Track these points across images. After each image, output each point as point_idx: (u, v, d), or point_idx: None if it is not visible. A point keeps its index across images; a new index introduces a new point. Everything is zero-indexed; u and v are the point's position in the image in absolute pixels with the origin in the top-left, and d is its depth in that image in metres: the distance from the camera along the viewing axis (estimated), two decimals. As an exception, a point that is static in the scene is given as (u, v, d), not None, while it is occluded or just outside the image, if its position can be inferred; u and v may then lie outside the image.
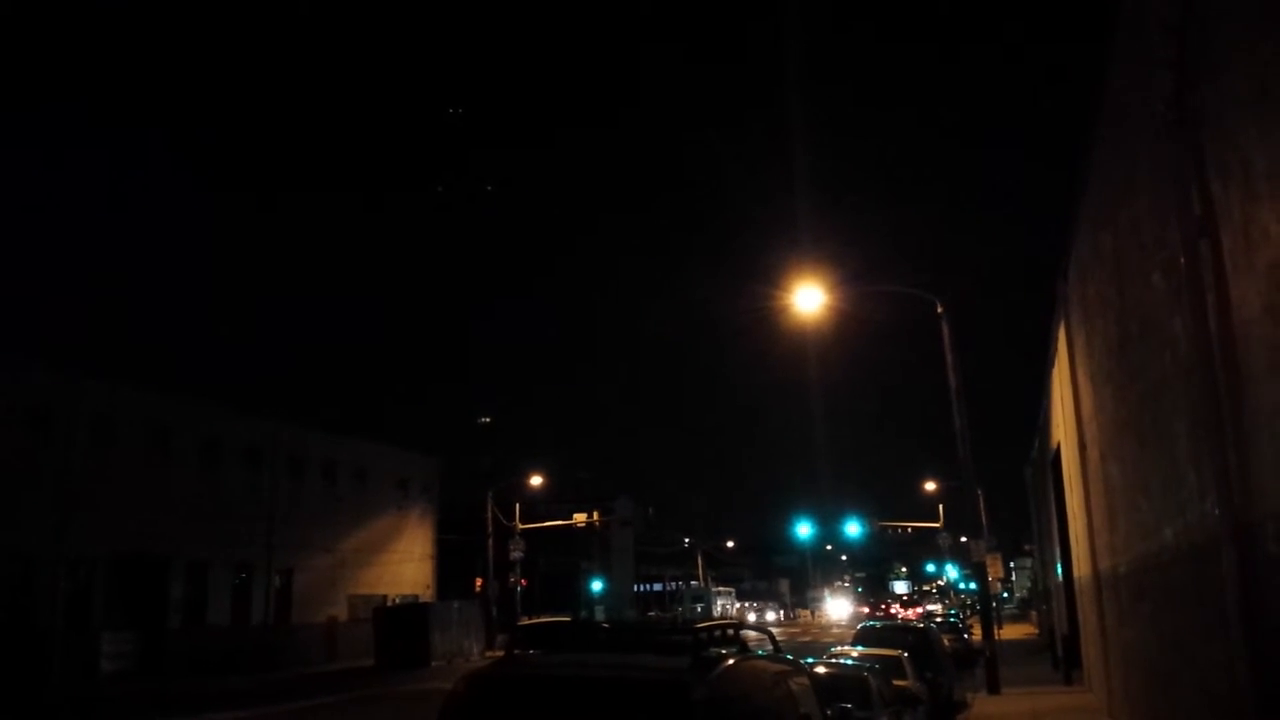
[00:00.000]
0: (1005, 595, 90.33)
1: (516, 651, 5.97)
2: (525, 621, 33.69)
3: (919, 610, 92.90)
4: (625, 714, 5.00)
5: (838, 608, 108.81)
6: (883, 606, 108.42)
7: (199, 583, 38.09)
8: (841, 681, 11.98)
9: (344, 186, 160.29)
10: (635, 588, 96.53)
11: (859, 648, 20.42)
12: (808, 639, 54.07)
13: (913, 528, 68.77)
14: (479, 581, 56.87)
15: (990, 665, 23.42)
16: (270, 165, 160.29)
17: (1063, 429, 20.40)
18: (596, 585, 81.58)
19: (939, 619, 48.57)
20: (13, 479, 30.33)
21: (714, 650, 5.73)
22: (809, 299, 23.99)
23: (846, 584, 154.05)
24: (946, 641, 27.12)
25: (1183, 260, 6.95)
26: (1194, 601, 8.21)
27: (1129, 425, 11.09)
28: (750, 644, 6.60)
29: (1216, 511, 6.68)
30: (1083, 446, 16.45)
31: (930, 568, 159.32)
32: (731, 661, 5.62)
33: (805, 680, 6.87)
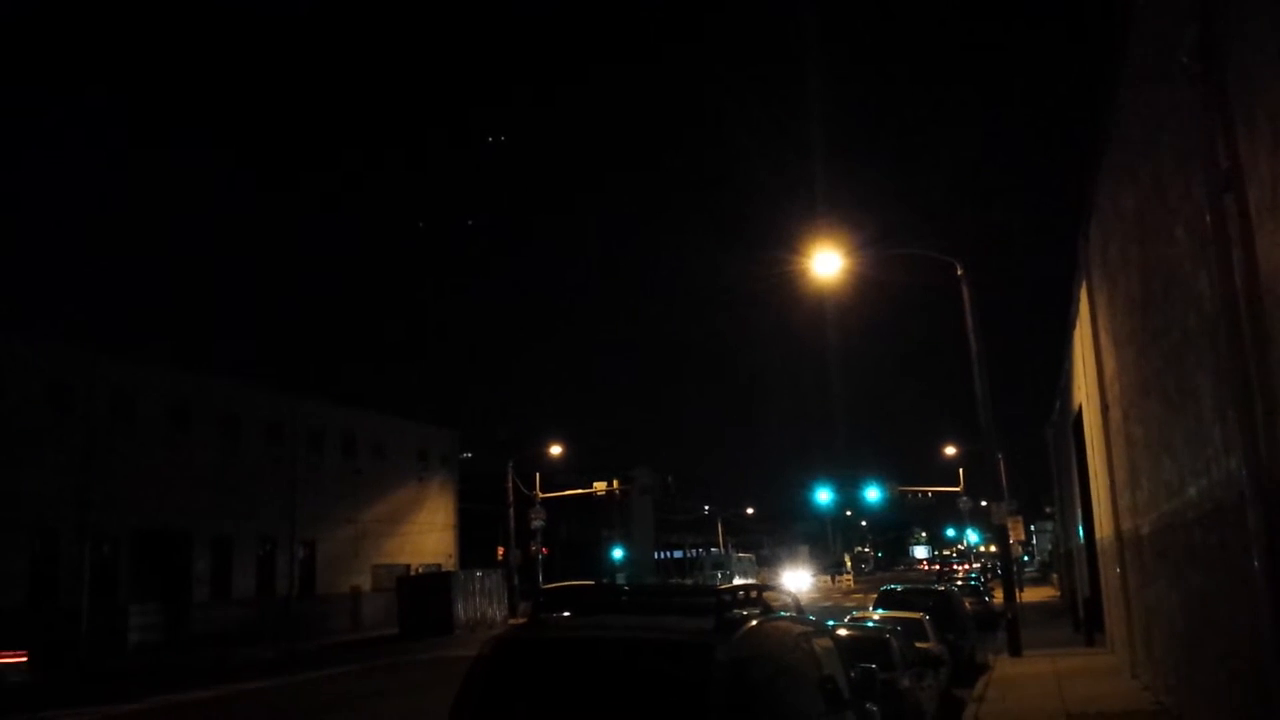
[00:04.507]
0: (1026, 558, 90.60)
1: (541, 615, 5.99)
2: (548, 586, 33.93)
3: (969, 566, 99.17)
4: (651, 674, 5.03)
5: (795, 579, 78.79)
6: (950, 567, 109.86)
7: (223, 555, 38.47)
8: (864, 643, 12.02)
9: (349, 157, 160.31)
10: (656, 555, 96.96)
11: (880, 610, 20.52)
12: (829, 603, 54.26)
13: (933, 492, 68.52)
14: (501, 550, 57.18)
15: (1012, 627, 23.40)
16: (281, 139, 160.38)
17: (1084, 390, 20.28)
18: (617, 553, 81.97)
19: (959, 581, 48.68)
20: (35, 455, 30.58)
21: (737, 611, 5.74)
22: (827, 263, 23.75)
23: (862, 553, 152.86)
24: (968, 604, 27.17)
25: (1208, 215, 6.85)
26: (1218, 561, 8.17)
27: (1152, 384, 11.01)
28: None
29: (1242, 470, 6.63)
30: (1105, 407, 16.36)
31: (951, 532, 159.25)
32: (755, 623, 5.63)
33: (828, 641, 6.89)
